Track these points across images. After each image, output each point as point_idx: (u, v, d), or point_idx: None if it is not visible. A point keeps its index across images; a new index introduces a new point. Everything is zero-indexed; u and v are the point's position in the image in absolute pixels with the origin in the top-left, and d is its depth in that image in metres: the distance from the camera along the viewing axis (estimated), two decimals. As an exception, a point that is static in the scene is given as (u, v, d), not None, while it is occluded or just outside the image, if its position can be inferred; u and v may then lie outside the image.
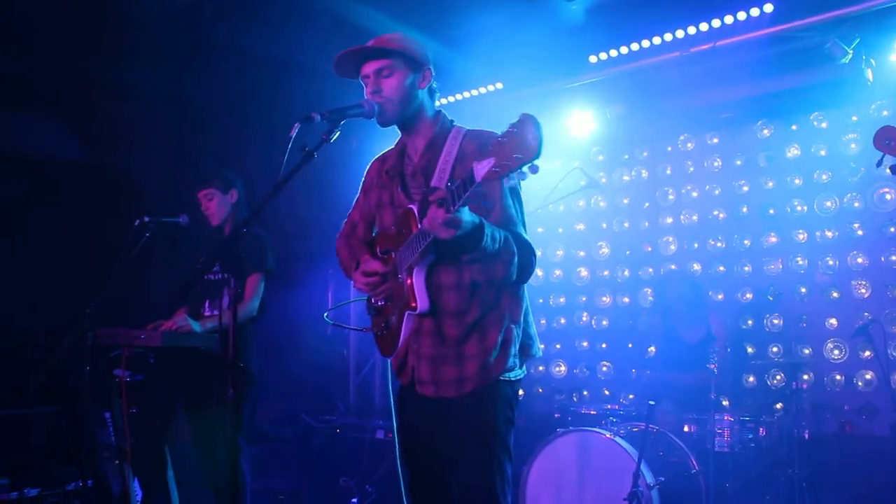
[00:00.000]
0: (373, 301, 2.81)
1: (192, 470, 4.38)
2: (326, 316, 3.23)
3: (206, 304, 4.42)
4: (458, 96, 6.32)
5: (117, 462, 4.40)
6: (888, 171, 2.60)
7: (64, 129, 5.59)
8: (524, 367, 2.74)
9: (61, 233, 5.50)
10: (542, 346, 2.87)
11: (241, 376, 4.23)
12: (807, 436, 5.09)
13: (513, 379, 2.66)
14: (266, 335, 4.61)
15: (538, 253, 2.68)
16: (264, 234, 4.49)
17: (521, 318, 2.69)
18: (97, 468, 4.85)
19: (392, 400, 2.94)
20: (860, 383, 5.65)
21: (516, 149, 2.04)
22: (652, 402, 4.55)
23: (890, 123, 2.66)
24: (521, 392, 2.81)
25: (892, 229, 5.61)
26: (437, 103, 2.82)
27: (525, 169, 2.06)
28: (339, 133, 2.61)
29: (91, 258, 5.10)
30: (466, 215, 2.32)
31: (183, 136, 6.03)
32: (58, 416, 4.98)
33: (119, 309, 4.21)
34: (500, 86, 6.19)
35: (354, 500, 5.70)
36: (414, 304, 2.58)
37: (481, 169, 2.12)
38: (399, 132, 2.83)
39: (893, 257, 5.60)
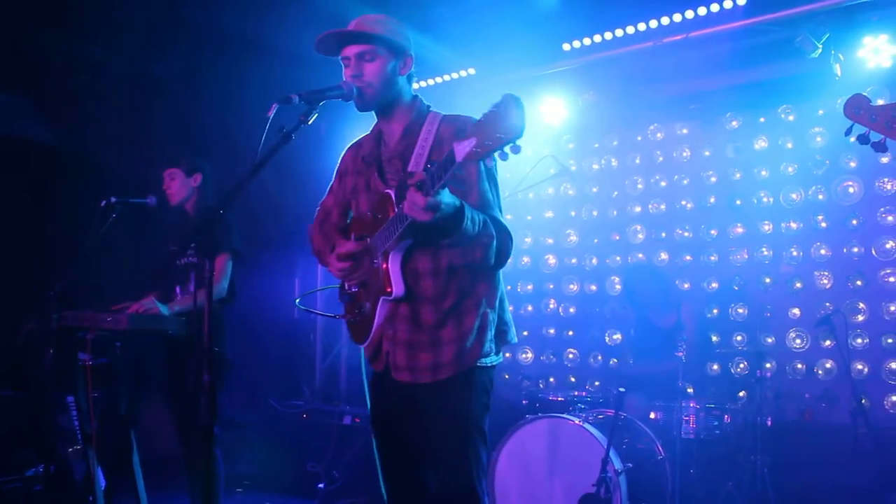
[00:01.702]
0: (346, 287, 2.79)
1: (160, 455, 4.33)
2: (298, 302, 3.21)
3: (178, 290, 4.35)
4: (431, 81, 6.29)
5: (79, 447, 4.33)
6: (853, 139, 2.63)
7: (29, 107, 5.45)
8: (500, 354, 2.73)
9: (26, 213, 5.37)
10: (515, 332, 2.82)
11: (216, 361, 4.17)
12: (769, 423, 5.18)
13: (488, 365, 2.66)
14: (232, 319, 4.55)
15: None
16: (229, 215, 4.43)
17: (497, 304, 2.69)
18: (59, 454, 4.76)
19: (366, 387, 2.92)
20: (820, 372, 5.76)
21: (498, 128, 2.02)
22: (622, 390, 4.59)
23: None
24: (506, 376, 2.81)
25: (854, 222, 5.72)
26: (416, 85, 2.81)
27: (507, 149, 2.05)
28: (316, 115, 2.58)
29: (56, 239, 4.99)
30: (447, 197, 2.29)
31: (150, 115, 5.91)
32: (19, 400, 4.88)
33: (85, 291, 4.13)
34: (472, 71, 6.17)
35: (321, 485, 5.68)
36: (389, 290, 2.56)
37: (462, 149, 2.10)
38: (375, 117, 2.80)
39: (855, 249, 5.71)
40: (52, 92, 5.61)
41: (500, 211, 2.64)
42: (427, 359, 2.59)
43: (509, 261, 2.63)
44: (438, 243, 2.51)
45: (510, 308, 2.84)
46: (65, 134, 5.73)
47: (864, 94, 2.64)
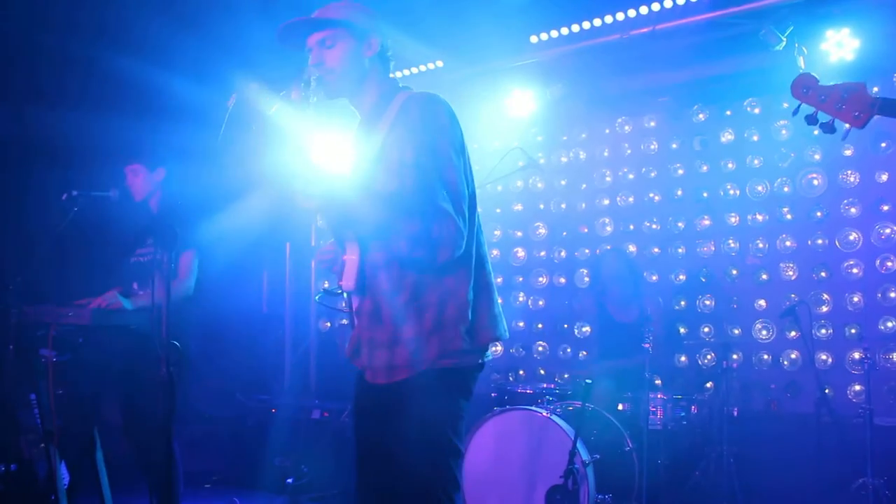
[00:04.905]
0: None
1: (122, 452, 4.27)
2: (318, 298, 3.16)
3: (135, 286, 4.28)
4: (398, 74, 6.24)
5: (43, 445, 4.26)
6: (804, 120, 2.61)
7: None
8: (479, 354, 2.49)
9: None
10: (506, 328, 2.60)
11: (175, 356, 4.13)
12: (735, 413, 5.24)
13: (454, 366, 2.42)
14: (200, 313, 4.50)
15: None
16: (195, 209, 4.38)
17: (471, 297, 2.45)
18: (21, 452, 4.68)
19: None
20: (786, 362, 5.83)
21: None
22: (589, 381, 4.60)
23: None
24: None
25: (819, 214, 5.80)
26: (392, 75, 2.72)
27: None
28: (278, 104, 2.54)
29: (15, 232, 4.90)
30: (325, 186, 2.28)
31: (113, 107, 5.81)
32: (-22, 397, 4.78)
33: (46, 286, 4.06)
34: (440, 63, 6.14)
35: (290, 480, 5.64)
36: (341, 282, 2.52)
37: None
38: (350, 105, 2.73)
39: (819, 241, 5.78)
40: (11, 82, 5.50)
41: (450, 196, 2.38)
42: (384, 357, 2.44)
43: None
44: (352, 234, 2.45)
45: (499, 301, 2.62)
46: (26, 126, 5.62)
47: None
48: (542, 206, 7.03)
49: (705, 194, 6.25)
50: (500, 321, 2.55)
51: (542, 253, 7.01)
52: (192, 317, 4.33)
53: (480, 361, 2.51)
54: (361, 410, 2.63)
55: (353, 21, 2.59)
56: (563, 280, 6.89)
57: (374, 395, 2.51)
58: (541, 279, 7.01)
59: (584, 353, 6.39)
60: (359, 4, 2.64)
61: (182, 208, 4.29)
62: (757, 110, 6.07)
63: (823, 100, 2.53)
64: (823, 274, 5.74)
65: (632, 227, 6.57)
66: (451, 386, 2.45)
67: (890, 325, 5.48)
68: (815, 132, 5.63)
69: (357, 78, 2.60)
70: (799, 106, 2.60)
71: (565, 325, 6.77)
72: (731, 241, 6.13)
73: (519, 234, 7.12)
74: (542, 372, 6.82)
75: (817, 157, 5.81)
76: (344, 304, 2.72)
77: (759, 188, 6.02)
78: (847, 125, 2.53)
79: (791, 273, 5.87)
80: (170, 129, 5.66)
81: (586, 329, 6.40)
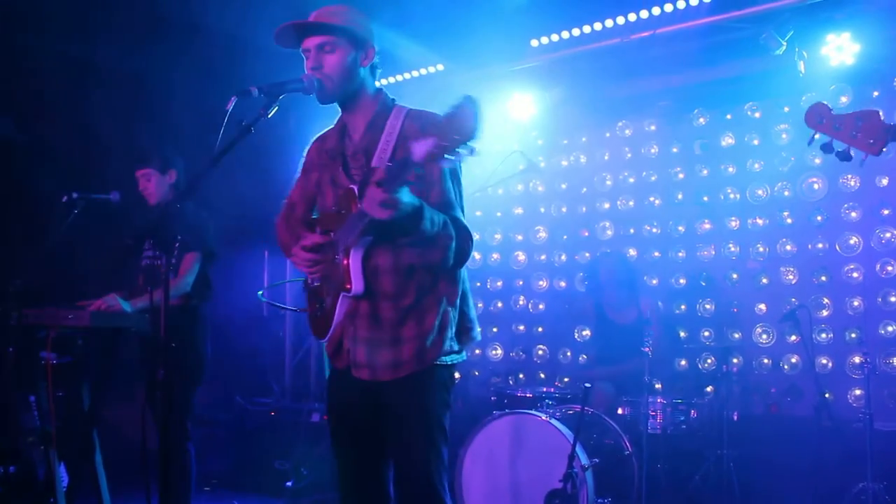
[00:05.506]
0: (309, 281, 2.76)
1: (123, 454, 4.27)
2: (261, 294, 3.17)
3: (149, 289, 4.29)
4: (399, 77, 6.27)
5: (42, 447, 4.27)
6: (820, 149, 2.63)
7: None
8: (463, 351, 2.72)
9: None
10: (479, 329, 2.84)
11: (191, 359, 4.17)
12: (735, 417, 5.23)
13: (449, 363, 2.65)
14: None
15: (476, 237, 2.66)
16: (203, 213, 4.39)
17: (459, 301, 2.67)
18: (21, 453, 4.68)
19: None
20: (786, 367, 5.83)
21: (456, 130, 2.02)
22: (588, 385, 4.60)
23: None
24: (457, 375, 2.80)
25: (819, 218, 5.79)
26: (378, 82, 2.76)
27: (463, 151, 2.04)
28: (277, 108, 2.55)
29: (16, 235, 4.90)
30: (406, 196, 2.27)
31: (119, 111, 5.82)
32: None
33: (46, 289, 4.06)
34: (441, 67, 6.16)
35: (289, 483, 5.64)
36: (349, 286, 2.53)
37: (420, 148, 2.09)
38: (339, 110, 2.77)
39: (819, 245, 5.78)
40: (20, 87, 5.50)
41: (463, 211, 2.63)
42: (387, 356, 2.56)
43: (475, 258, 2.62)
44: (398, 241, 2.50)
45: (479, 305, 2.81)
46: (28, 129, 5.63)
47: (825, 101, 2.63)
48: (542, 210, 7.03)
49: (706, 198, 6.25)
50: (476, 324, 2.77)
51: (543, 256, 7.01)
52: (206, 320, 4.36)
53: (462, 360, 2.75)
54: (351, 407, 2.70)
55: (354, 29, 2.61)
56: (563, 284, 6.89)
57: (372, 392, 2.61)
58: (541, 283, 7.00)
59: (584, 356, 6.38)
60: (359, 11, 2.66)
61: (188, 210, 4.30)
62: (757, 114, 6.07)
63: (838, 128, 2.57)
64: (824, 278, 5.74)
65: (632, 230, 6.57)
66: (446, 380, 2.65)
67: (890, 329, 5.48)
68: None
69: (352, 85, 2.64)
70: (814, 135, 2.63)
71: (565, 329, 6.76)
72: (731, 245, 6.13)
73: (519, 237, 7.12)
74: (541, 375, 6.82)
75: (818, 161, 5.80)
76: (314, 303, 2.74)
77: (760, 192, 6.03)
78: (864, 153, 2.56)
79: (791, 277, 5.87)
80: (175, 130, 5.67)
81: (587, 333, 6.39)
